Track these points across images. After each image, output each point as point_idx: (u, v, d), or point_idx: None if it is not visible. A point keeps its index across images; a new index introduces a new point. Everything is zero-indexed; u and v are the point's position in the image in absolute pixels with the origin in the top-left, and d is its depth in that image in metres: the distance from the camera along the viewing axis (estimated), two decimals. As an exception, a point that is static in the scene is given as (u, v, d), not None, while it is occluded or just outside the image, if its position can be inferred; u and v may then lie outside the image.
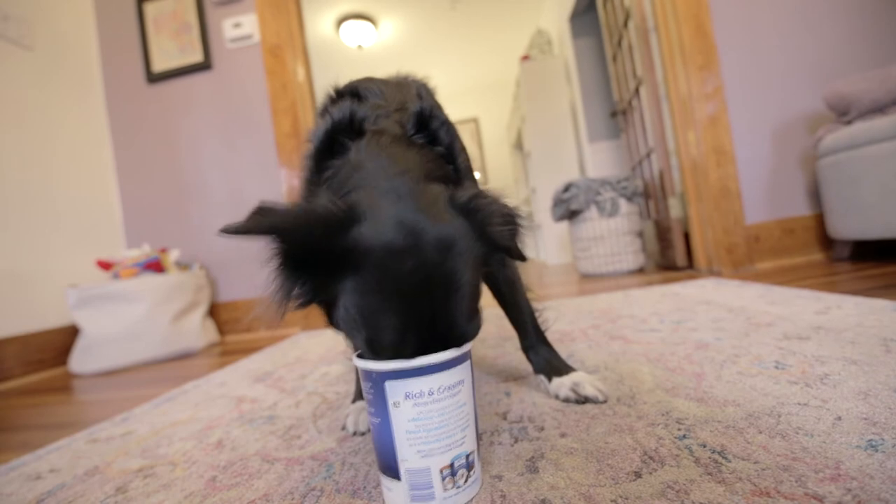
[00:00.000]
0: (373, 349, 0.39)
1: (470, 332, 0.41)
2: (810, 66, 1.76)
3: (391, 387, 0.38)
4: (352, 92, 0.57)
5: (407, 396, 0.38)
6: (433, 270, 0.38)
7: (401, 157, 0.47)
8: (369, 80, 0.60)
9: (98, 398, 1.19)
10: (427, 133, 0.53)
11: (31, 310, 1.68)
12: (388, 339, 0.38)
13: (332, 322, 0.44)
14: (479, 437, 0.44)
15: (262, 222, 0.35)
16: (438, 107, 0.59)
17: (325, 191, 0.48)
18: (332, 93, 0.59)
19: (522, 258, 0.47)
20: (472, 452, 0.41)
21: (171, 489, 0.53)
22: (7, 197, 1.66)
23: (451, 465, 0.39)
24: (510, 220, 0.43)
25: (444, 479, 0.39)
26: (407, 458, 0.39)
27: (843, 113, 1.55)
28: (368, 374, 0.39)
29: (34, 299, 1.69)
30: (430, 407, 0.38)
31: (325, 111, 0.58)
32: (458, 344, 0.40)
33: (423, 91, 0.60)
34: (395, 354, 0.38)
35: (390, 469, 0.40)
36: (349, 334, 0.42)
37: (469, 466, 0.41)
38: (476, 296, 0.42)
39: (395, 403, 0.38)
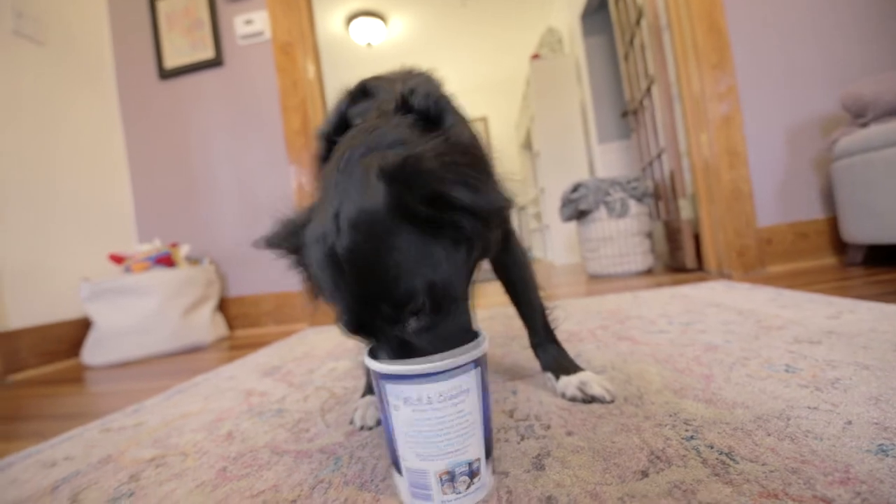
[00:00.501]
0: (339, 323, 0.42)
1: (409, 296, 0.38)
2: (827, 67, 1.74)
3: (390, 390, 0.39)
4: (362, 90, 0.58)
5: (406, 402, 0.38)
6: (342, 252, 0.38)
7: (359, 140, 0.45)
8: (377, 78, 0.60)
9: (110, 389, 1.21)
10: (408, 109, 0.50)
11: (45, 302, 1.71)
12: (337, 315, 0.42)
13: None
14: (491, 444, 0.43)
15: (262, 239, 0.47)
16: (431, 83, 0.56)
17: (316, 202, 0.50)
18: (344, 93, 0.60)
19: (493, 207, 0.40)
20: (475, 461, 0.40)
21: (182, 478, 0.54)
22: (22, 191, 1.69)
23: (451, 472, 0.39)
24: (459, 167, 0.38)
25: (442, 483, 0.39)
26: (406, 457, 0.39)
27: (860, 115, 1.53)
28: (372, 373, 0.40)
29: (48, 292, 1.73)
30: (428, 414, 0.38)
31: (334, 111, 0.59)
32: (391, 322, 0.39)
33: (426, 76, 0.58)
34: (348, 331, 0.41)
35: (395, 463, 0.41)
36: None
37: (472, 474, 0.40)
38: (419, 265, 0.38)
39: (394, 406, 0.39)
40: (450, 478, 0.39)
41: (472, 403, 0.39)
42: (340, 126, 0.54)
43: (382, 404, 0.40)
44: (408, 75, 0.60)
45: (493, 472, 0.44)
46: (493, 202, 0.39)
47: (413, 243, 0.38)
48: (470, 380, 0.39)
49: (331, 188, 0.42)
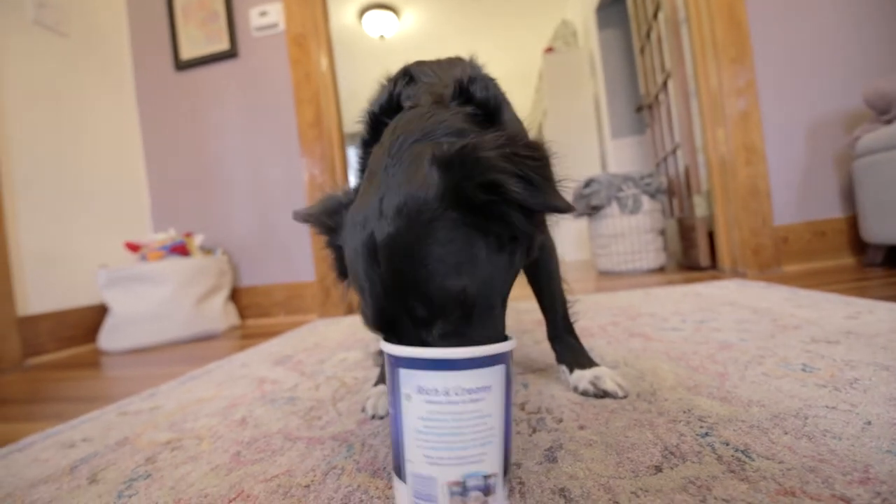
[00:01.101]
0: (364, 316, 0.41)
1: (443, 293, 0.35)
2: (849, 63, 1.69)
3: (405, 376, 0.35)
4: (407, 75, 0.55)
5: (419, 391, 0.34)
6: (381, 239, 0.36)
7: (414, 125, 0.43)
8: (420, 63, 0.58)
9: (126, 374, 1.24)
10: (465, 98, 0.48)
11: (64, 288, 1.75)
12: (363, 308, 0.40)
13: None
14: (509, 462, 0.37)
15: (302, 212, 0.47)
16: (487, 76, 0.54)
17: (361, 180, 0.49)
18: (389, 77, 0.57)
19: (550, 207, 0.36)
20: (492, 475, 0.34)
21: (198, 461, 0.55)
22: (42, 179, 1.73)
23: (463, 484, 0.34)
24: (519, 159, 0.35)
25: (451, 495, 0.33)
26: (413, 459, 0.35)
27: (884, 112, 1.48)
28: (388, 357, 0.36)
29: (66, 278, 1.76)
30: (444, 408, 0.34)
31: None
32: (419, 323, 0.36)
33: (472, 65, 0.57)
34: (372, 325, 0.39)
35: (398, 468, 0.36)
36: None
37: (486, 490, 0.34)
38: (458, 259, 0.36)
39: (406, 395, 0.35)
40: (461, 490, 0.33)
41: (494, 405, 0.35)
42: (390, 107, 0.52)
43: (393, 396, 0.36)
44: (456, 62, 0.58)
45: (511, 493, 0.39)
46: (551, 202, 0.36)
47: (458, 238, 0.36)
48: (493, 376, 0.35)
49: (379, 172, 0.40)
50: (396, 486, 0.37)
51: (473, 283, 0.36)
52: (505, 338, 0.40)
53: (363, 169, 0.53)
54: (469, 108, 0.46)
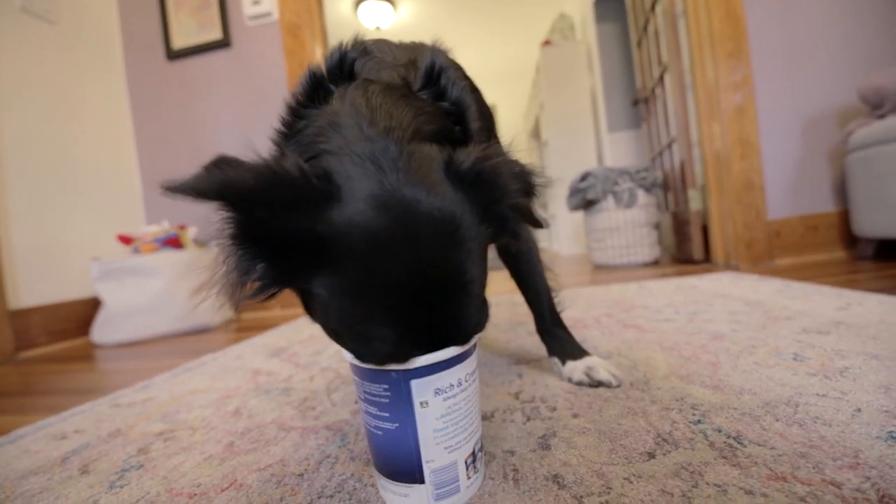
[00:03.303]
0: (360, 357, 0.34)
1: (478, 328, 0.36)
2: (845, 58, 1.69)
3: (418, 385, 0.34)
4: (362, 48, 0.49)
5: (437, 393, 0.34)
6: (431, 267, 0.31)
7: (388, 111, 0.37)
8: (381, 41, 0.52)
9: (119, 367, 1.23)
10: (436, 90, 0.44)
11: (56, 281, 1.73)
12: (378, 351, 0.32)
13: (309, 313, 0.38)
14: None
15: (211, 181, 0.26)
16: (456, 67, 0.51)
17: (292, 147, 0.40)
18: (342, 43, 0.48)
19: (540, 224, 0.38)
20: (482, 436, 0.40)
21: (190, 451, 0.55)
22: (32, 171, 1.70)
23: (474, 452, 0.38)
24: (525, 182, 0.35)
25: (467, 467, 0.37)
26: (433, 457, 0.35)
27: (877, 106, 1.49)
28: (384, 376, 0.34)
29: (58, 271, 1.74)
30: (459, 398, 0.36)
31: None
32: (464, 342, 0.35)
33: (438, 52, 0.49)
34: (385, 363, 0.33)
35: (408, 474, 0.36)
36: (330, 336, 0.37)
37: (482, 447, 0.40)
38: (483, 285, 0.36)
39: (422, 403, 0.34)
40: (472, 458, 0.38)
41: (478, 381, 0.40)
42: (340, 74, 0.45)
43: (393, 412, 0.34)
44: (419, 46, 0.53)
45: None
46: (538, 220, 0.38)
47: (480, 259, 0.35)
48: (476, 359, 0.39)
49: (354, 160, 0.33)
50: (401, 492, 0.36)
51: (483, 291, 0.37)
52: None
53: (283, 135, 0.44)
54: (445, 105, 0.44)
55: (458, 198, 0.33)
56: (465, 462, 0.37)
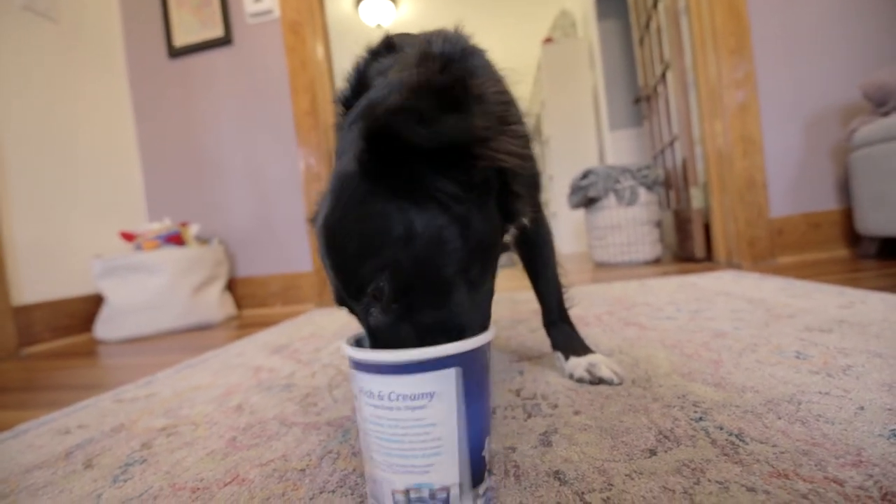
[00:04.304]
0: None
1: (375, 289, 0.34)
2: (849, 55, 1.68)
3: (352, 374, 0.33)
4: (387, 45, 0.52)
5: (361, 392, 0.32)
6: (321, 223, 0.37)
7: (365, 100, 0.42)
8: (405, 35, 0.55)
9: (122, 363, 1.24)
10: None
11: (59, 278, 1.74)
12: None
13: None
14: (482, 469, 0.33)
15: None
16: (461, 38, 0.47)
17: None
18: (365, 51, 0.52)
19: (453, 140, 0.31)
20: (442, 489, 0.31)
21: (193, 447, 0.55)
22: (34, 168, 1.70)
23: (406, 493, 0.31)
24: (415, 104, 0.31)
25: None
26: (365, 458, 0.34)
27: (881, 104, 1.48)
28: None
29: (61, 267, 1.75)
30: (384, 413, 0.31)
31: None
32: (355, 296, 0.35)
33: (448, 35, 0.46)
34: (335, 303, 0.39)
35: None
36: None
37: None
38: (380, 239, 0.33)
39: (355, 395, 0.33)
40: (405, 501, 0.31)
41: (442, 414, 0.31)
42: (359, 88, 0.48)
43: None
44: (437, 32, 0.50)
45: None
46: (452, 134, 0.30)
47: (387, 211, 0.33)
48: (439, 382, 0.30)
49: (337, 156, 0.41)
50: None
51: (406, 256, 0.33)
52: (481, 324, 0.38)
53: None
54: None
55: (366, 168, 0.35)
56: (393, 496, 0.31)
